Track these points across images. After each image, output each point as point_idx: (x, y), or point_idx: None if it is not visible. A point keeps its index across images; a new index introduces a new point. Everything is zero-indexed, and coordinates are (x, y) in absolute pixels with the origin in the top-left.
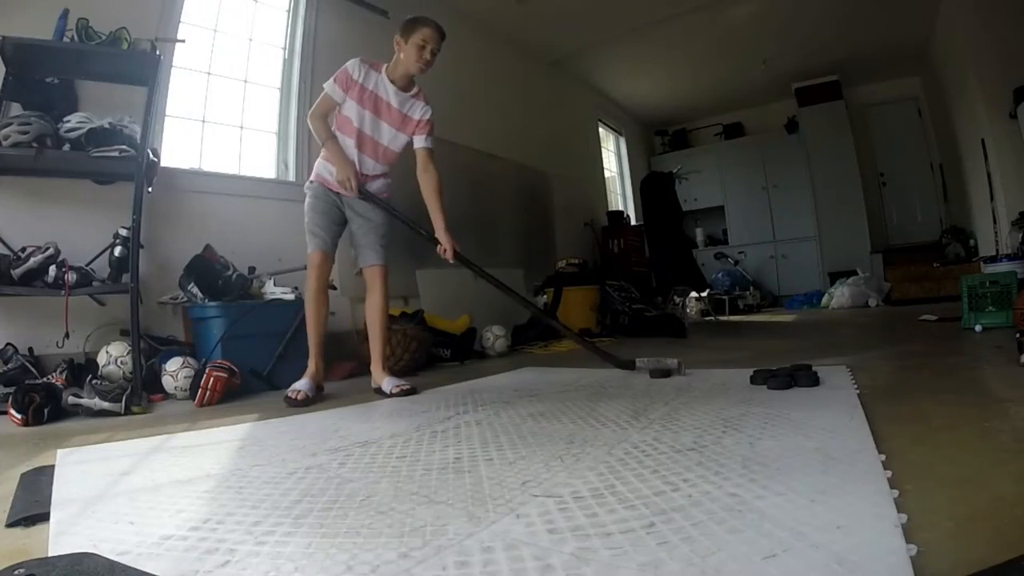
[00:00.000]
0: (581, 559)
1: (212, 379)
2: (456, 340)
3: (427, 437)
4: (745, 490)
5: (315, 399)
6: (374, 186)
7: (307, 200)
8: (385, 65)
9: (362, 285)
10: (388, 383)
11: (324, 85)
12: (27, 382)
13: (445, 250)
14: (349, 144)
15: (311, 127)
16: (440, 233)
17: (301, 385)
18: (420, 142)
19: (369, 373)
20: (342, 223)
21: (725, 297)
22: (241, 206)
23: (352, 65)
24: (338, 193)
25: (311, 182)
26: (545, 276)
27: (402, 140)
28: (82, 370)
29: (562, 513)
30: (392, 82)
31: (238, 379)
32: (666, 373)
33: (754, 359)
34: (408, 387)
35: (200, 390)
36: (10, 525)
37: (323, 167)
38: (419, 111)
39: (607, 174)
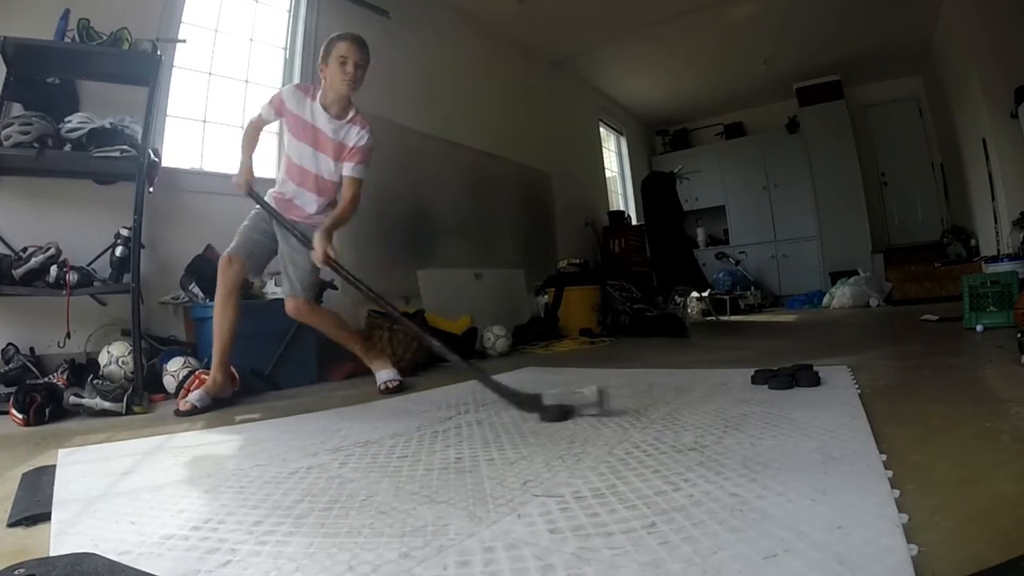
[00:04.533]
0: (582, 559)
1: (197, 382)
2: (457, 340)
3: (428, 437)
4: (746, 490)
5: (205, 409)
6: (307, 213)
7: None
8: (319, 92)
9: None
10: (380, 376)
11: (260, 105)
12: (28, 382)
13: (317, 253)
14: (290, 186)
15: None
16: (319, 236)
17: (192, 396)
18: (347, 170)
19: (369, 374)
20: (266, 237)
21: (726, 297)
22: (242, 206)
23: (286, 90)
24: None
25: None
26: (546, 276)
27: (339, 169)
28: (83, 370)
29: (563, 513)
30: (325, 109)
31: (236, 385)
32: (565, 414)
33: (755, 359)
34: (397, 383)
35: (184, 390)
36: (11, 525)
37: (270, 198)
38: (353, 137)
39: (608, 174)
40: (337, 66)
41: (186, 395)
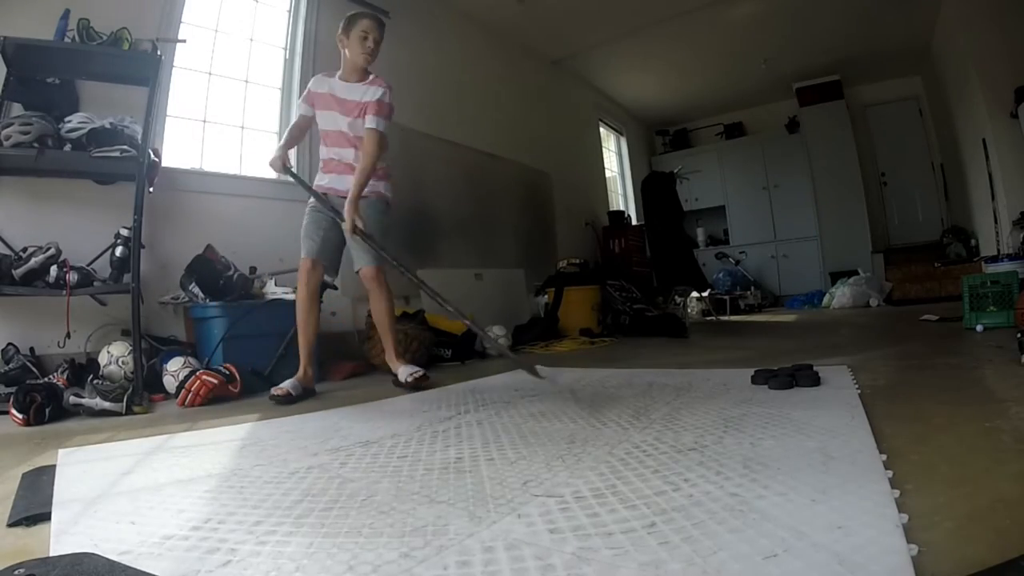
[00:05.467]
0: (582, 559)
1: (198, 383)
2: (457, 340)
3: (428, 437)
4: (746, 490)
5: (299, 398)
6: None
7: (308, 206)
8: (339, 71)
9: (363, 286)
10: (403, 371)
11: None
12: (28, 382)
13: (345, 225)
14: (323, 150)
15: None
16: (346, 206)
17: (287, 384)
18: (366, 122)
19: (369, 373)
20: (332, 229)
21: (726, 297)
22: (242, 206)
23: (312, 81)
24: (326, 196)
25: None
26: (546, 276)
27: (361, 124)
28: (83, 370)
29: (563, 513)
30: (344, 80)
31: (236, 387)
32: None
33: (755, 359)
34: (421, 374)
35: (184, 391)
36: (11, 525)
37: (318, 177)
38: (370, 94)
39: (608, 174)
40: (358, 41)
41: (185, 394)
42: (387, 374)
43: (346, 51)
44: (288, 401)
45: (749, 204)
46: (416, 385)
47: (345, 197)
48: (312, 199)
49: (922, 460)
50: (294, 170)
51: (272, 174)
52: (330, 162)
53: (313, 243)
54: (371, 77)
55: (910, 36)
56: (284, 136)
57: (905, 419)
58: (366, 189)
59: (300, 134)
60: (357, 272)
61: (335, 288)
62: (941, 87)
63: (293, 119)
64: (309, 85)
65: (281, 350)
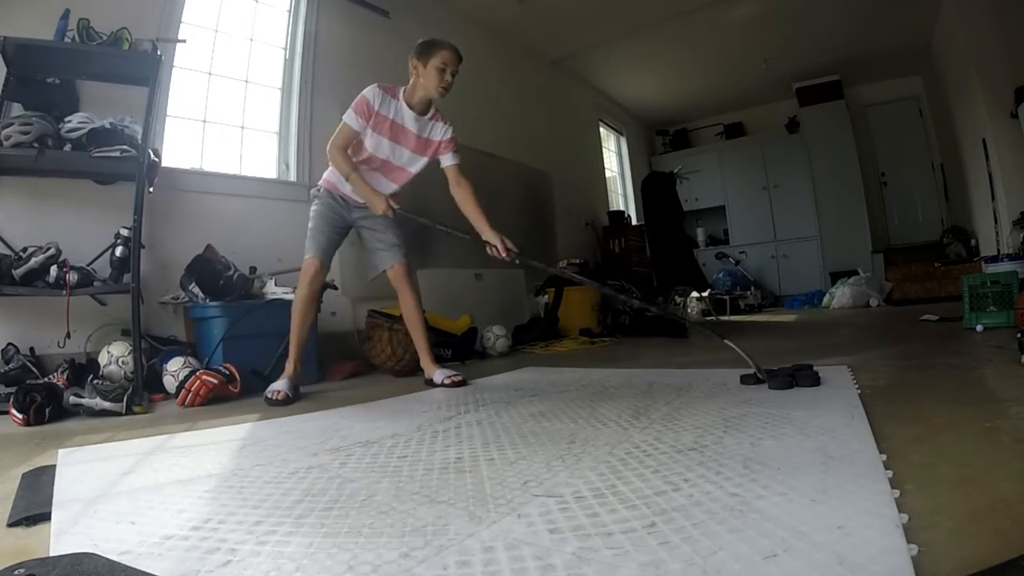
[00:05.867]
0: (582, 559)
1: (198, 383)
2: (457, 340)
3: (428, 437)
4: (746, 490)
5: (295, 399)
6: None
7: (315, 207)
8: (402, 89)
9: (363, 286)
10: (439, 374)
11: (344, 116)
12: (28, 382)
13: (496, 249)
14: (369, 171)
15: (330, 159)
16: (487, 233)
17: (280, 385)
18: (448, 160)
19: (369, 373)
20: (344, 234)
21: (726, 297)
22: (242, 206)
23: (370, 92)
24: (347, 203)
25: (320, 189)
26: (546, 276)
27: (421, 162)
28: (83, 370)
29: (563, 513)
30: (411, 107)
31: (236, 387)
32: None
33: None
34: (459, 378)
35: (184, 391)
36: (11, 525)
37: (334, 175)
38: (439, 132)
39: (608, 174)
40: (436, 73)
41: (185, 394)
42: (387, 374)
43: (420, 79)
44: (286, 402)
45: (749, 204)
46: (454, 386)
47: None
48: (319, 200)
49: (922, 460)
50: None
51: (272, 174)
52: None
53: (322, 245)
54: (433, 111)
55: (910, 36)
56: (351, 174)
57: (905, 419)
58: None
59: (353, 152)
60: (372, 280)
61: (335, 288)
62: (941, 87)
63: (340, 130)
64: (369, 99)
65: (281, 350)
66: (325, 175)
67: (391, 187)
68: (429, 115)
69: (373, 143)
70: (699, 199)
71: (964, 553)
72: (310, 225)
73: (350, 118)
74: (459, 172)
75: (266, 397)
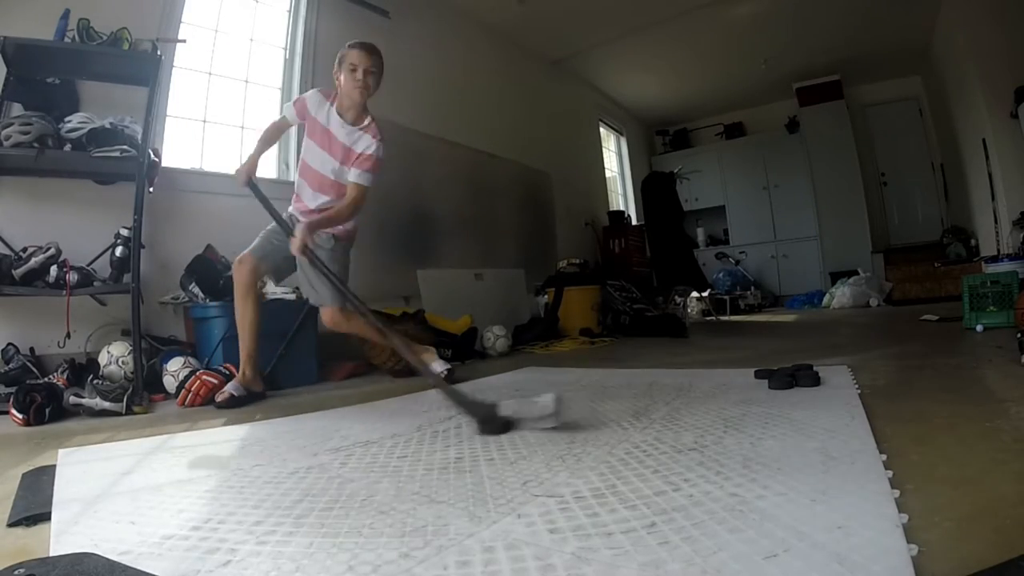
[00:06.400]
0: (582, 559)
1: (198, 383)
2: (457, 340)
3: (428, 437)
4: (746, 490)
5: (245, 401)
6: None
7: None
8: (337, 98)
9: (363, 287)
10: (435, 367)
11: (283, 106)
12: (28, 382)
13: (294, 241)
14: (299, 182)
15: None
16: (299, 226)
17: (228, 386)
18: (352, 175)
19: (369, 373)
20: (283, 242)
21: (726, 297)
22: (242, 206)
23: (309, 94)
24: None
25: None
26: (546, 276)
27: (346, 174)
28: (83, 370)
29: (563, 513)
30: (340, 115)
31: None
32: (504, 427)
33: (755, 359)
34: (446, 372)
35: (184, 391)
36: (11, 524)
37: (291, 208)
38: (363, 144)
39: (608, 174)
40: (348, 74)
41: (186, 394)
42: (387, 374)
43: (341, 87)
44: (233, 404)
45: (749, 204)
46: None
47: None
48: (272, 224)
49: (922, 460)
50: (259, 186)
51: (272, 174)
52: (303, 202)
53: (259, 245)
54: (367, 122)
55: (910, 36)
56: (257, 142)
57: (905, 419)
58: (338, 228)
59: (277, 135)
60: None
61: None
62: (941, 87)
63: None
64: (306, 98)
65: (281, 350)
66: None
67: (308, 194)
68: (361, 125)
69: (307, 150)
70: (699, 199)
71: (964, 553)
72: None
73: (286, 109)
74: (355, 193)
75: (216, 402)
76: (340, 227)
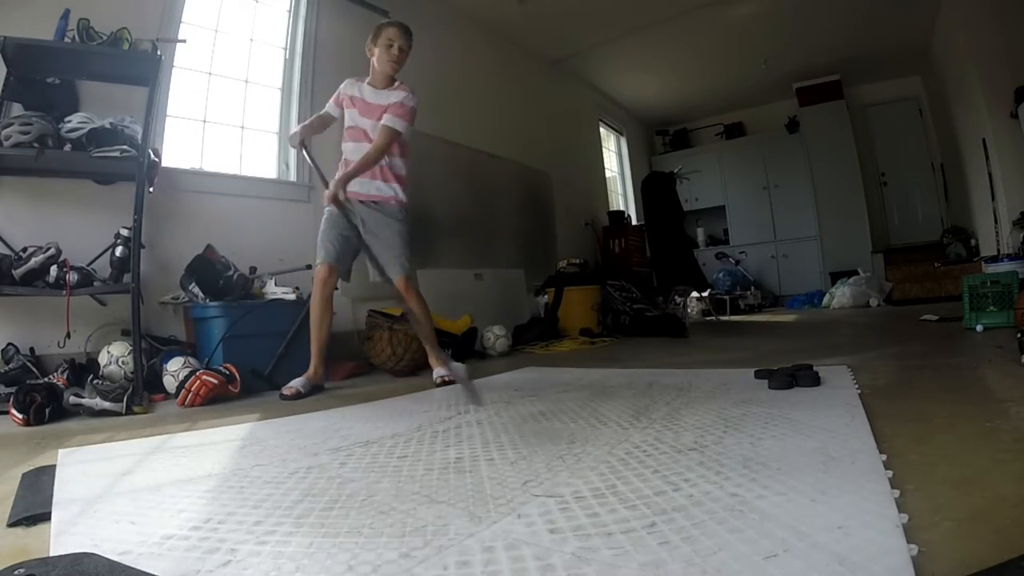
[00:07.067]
0: (582, 559)
1: (198, 383)
2: (457, 340)
3: (428, 437)
4: (746, 490)
5: (307, 394)
6: (372, 187)
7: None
8: (368, 78)
9: (363, 286)
10: (436, 372)
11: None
12: (28, 382)
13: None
14: (345, 147)
15: None
16: (333, 180)
17: (295, 382)
18: (385, 119)
19: (369, 373)
20: (351, 234)
21: (726, 297)
22: (242, 206)
23: (344, 83)
24: (351, 207)
25: None
26: (546, 276)
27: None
28: (83, 370)
29: (563, 513)
30: (372, 85)
31: (236, 387)
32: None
33: (755, 359)
34: (447, 379)
35: (184, 391)
36: (11, 525)
37: (341, 168)
38: (395, 97)
39: (608, 174)
40: (384, 49)
41: (186, 394)
42: (387, 374)
43: (374, 60)
44: (297, 397)
45: (749, 204)
46: (443, 385)
47: (367, 203)
48: (325, 213)
49: (922, 460)
50: (311, 151)
51: (272, 174)
52: (350, 163)
53: (331, 249)
54: (397, 83)
55: (910, 36)
56: (308, 120)
57: (905, 419)
58: (387, 194)
59: (322, 126)
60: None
61: (335, 288)
62: (941, 87)
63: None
64: (341, 87)
65: (281, 350)
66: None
67: (361, 152)
68: (393, 87)
69: (352, 119)
70: (699, 199)
71: (964, 553)
72: (320, 228)
73: (328, 104)
74: (384, 135)
75: (281, 394)
76: (404, 197)
